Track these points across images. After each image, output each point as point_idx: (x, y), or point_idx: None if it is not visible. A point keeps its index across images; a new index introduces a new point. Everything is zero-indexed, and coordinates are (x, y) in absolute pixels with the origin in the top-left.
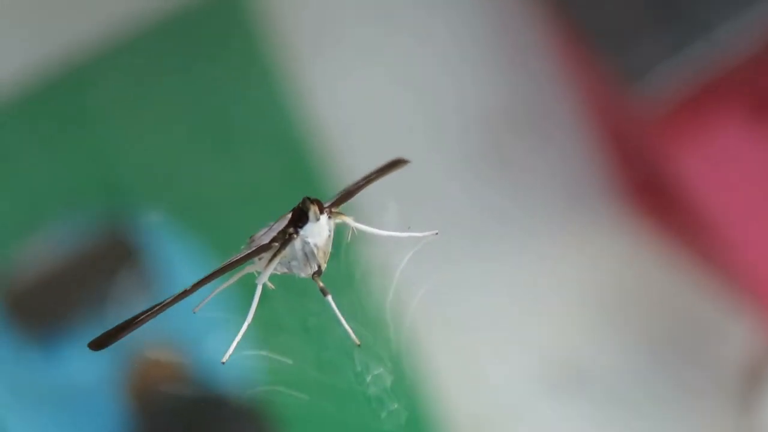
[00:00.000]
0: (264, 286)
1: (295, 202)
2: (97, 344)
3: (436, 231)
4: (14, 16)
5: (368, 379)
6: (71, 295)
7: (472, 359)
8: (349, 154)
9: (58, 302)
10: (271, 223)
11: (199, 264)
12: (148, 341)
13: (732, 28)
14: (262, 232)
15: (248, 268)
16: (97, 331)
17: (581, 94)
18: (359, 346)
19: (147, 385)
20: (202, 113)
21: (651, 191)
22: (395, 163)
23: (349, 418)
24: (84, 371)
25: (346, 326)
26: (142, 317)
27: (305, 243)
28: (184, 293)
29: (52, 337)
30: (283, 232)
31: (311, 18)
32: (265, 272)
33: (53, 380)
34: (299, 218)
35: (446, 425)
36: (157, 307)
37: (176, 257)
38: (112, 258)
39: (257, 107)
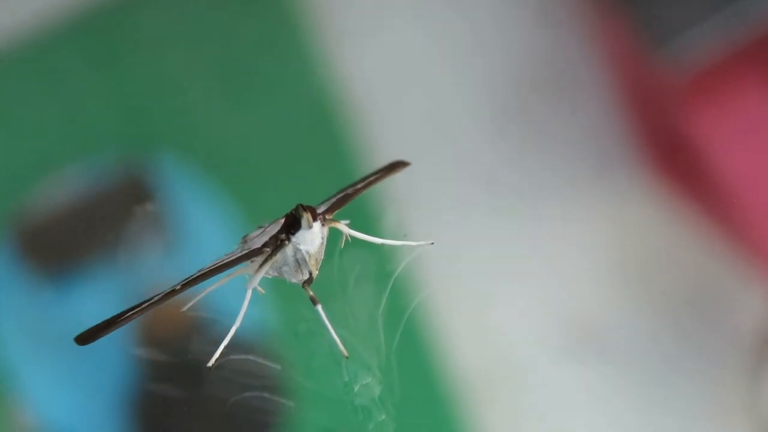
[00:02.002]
0: (254, 290)
1: (317, 155)
2: (84, 339)
3: (432, 241)
4: None
5: (356, 388)
6: (86, 237)
7: (485, 316)
8: (374, 109)
9: (72, 244)
10: (265, 226)
11: (214, 211)
12: (160, 284)
13: None
14: (255, 234)
15: (239, 270)
16: (110, 274)
17: (609, 59)
18: (347, 357)
19: (157, 328)
20: (227, 61)
21: (675, 157)
22: (395, 166)
23: (336, 427)
24: (96, 313)
25: (335, 337)
26: (129, 314)
27: (297, 250)
28: (173, 292)
29: (65, 279)
30: (276, 237)
31: None
32: (255, 277)
33: (66, 322)
34: (292, 225)
35: (454, 385)
36: (145, 305)
37: (192, 203)
38: (128, 201)
39: (283, 58)
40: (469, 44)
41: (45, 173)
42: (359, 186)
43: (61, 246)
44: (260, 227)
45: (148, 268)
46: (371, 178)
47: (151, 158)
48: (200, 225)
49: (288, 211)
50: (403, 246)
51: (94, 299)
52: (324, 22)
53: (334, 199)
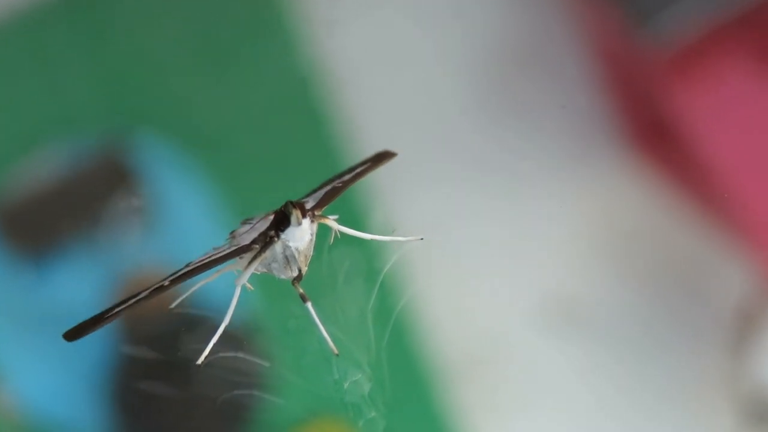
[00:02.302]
0: (243, 286)
1: (299, 135)
2: (72, 335)
3: (421, 237)
4: None
5: (346, 385)
6: (66, 218)
7: (468, 296)
8: (356, 90)
9: (52, 225)
10: (253, 221)
11: (195, 191)
12: (140, 263)
13: None
14: (243, 230)
15: (228, 266)
16: (90, 254)
17: (591, 37)
18: (337, 355)
19: (137, 307)
20: (212, 41)
21: (655, 133)
22: (381, 157)
23: (326, 425)
24: (76, 293)
25: (325, 334)
26: (116, 310)
27: (286, 246)
28: (162, 288)
29: (46, 260)
30: (265, 234)
31: None
32: (244, 273)
33: (47, 303)
34: (281, 221)
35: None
36: (132, 301)
37: (173, 183)
38: (109, 180)
39: (267, 38)
40: (452, 23)
41: (25, 152)
42: (347, 179)
43: (42, 227)
44: (248, 223)
45: (129, 249)
46: (358, 170)
47: (133, 138)
48: (181, 206)
49: (273, 200)
50: (392, 241)
51: (75, 280)
52: (308, 2)
53: (322, 194)
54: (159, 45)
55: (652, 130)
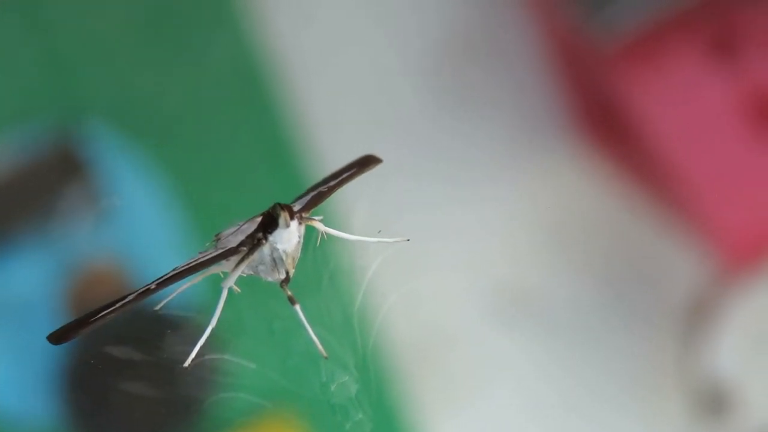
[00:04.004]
0: (229, 289)
1: (249, 122)
2: (56, 338)
3: (408, 238)
4: None
5: (333, 387)
6: (16, 209)
7: (417, 284)
8: (307, 79)
9: (3, 215)
10: (240, 224)
11: (146, 181)
12: (92, 255)
13: None
14: (229, 231)
15: (214, 268)
16: (41, 245)
17: (542, 26)
18: (326, 358)
19: (88, 299)
20: (161, 27)
21: (607, 123)
22: (367, 162)
23: (312, 427)
24: (27, 285)
25: (314, 337)
26: (103, 314)
27: (274, 249)
28: (147, 291)
29: None
30: (252, 236)
31: None
32: (231, 276)
33: None
34: (269, 224)
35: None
36: (119, 304)
37: (125, 172)
38: (59, 171)
39: (217, 26)
40: (405, 12)
41: None
42: (332, 184)
43: None
44: (233, 225)
45: (80, 240)
46: (344, 176)
47: (83, 128)
48: (132, 196)
49: (224, 189)
50: (378, 242)
51: (26, 271)
52: None
53: (308, 198)
54: (108, 33)
55: (604, 119)
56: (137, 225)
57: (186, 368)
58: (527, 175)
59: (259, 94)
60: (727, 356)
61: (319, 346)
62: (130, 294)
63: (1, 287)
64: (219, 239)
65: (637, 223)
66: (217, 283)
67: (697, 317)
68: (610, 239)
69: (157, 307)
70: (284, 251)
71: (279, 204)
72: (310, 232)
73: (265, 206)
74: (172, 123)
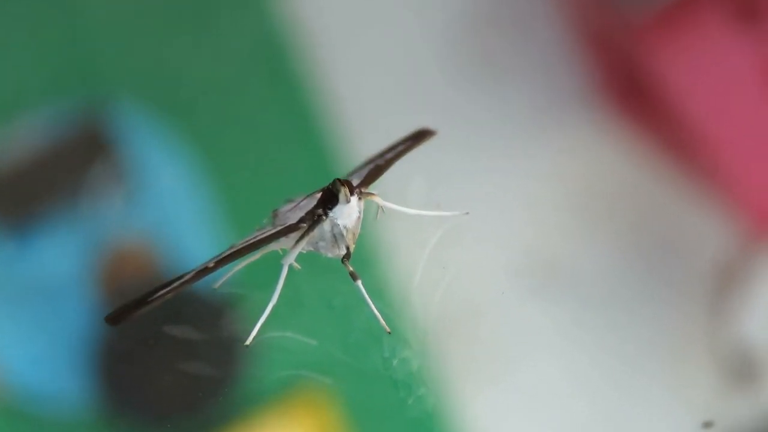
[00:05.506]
0: (289, 266)
1: (275, 97)
2: (114, 319)
3: (467, 211)
4: None
5: (395, 363)
6: (45, 188)
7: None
8: (333, 53)
9: (32, 193)
10: (298, 200)
11: (174, 157)
12: (121, 233)
13: None
14: (286, 208)
15: (273, 245)
16: (71, 224)
17: None
18: (389, 333)
19: (119, 277)
20: (187, 3)
21: (634, 93)
22: (422, 135)
23: (375, 403)
24: (58, 264)
25: (377, 313)
26: (161, 293)
27: (334, 225)
28: (206, 270)
29: (26, 231)
30: (312, 212)
31: None
32: (291, 253)
33: (28, 272)
34: (329, 199)
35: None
36: (177, 284)
37: (151, 150)
38: (87, 150)
39: (244, 1)
40: None
41: (1, 124)
42: (389, 157)
43: (21, 197)
44: (290, 201)
45: (109, 218)
46: (399, 149)
47: (109, 105)
48: (160, 172)
49: (250, 164)
50: (437, 216)
51: (56, 250)
52: None
53: (365, 172)
54: (134, 11)
55: (631, 89)
56: (166, 202)
57: (246, 346)
58: (555, 145)
59: (285, 69)
60: (756, 322)
61: (382, 322)
62: (187, 273)
63: (33, 266)
64: (276, 216)
65: (665, 192)
66: (275, 260)
67: (727, 284)
68: (638, 209)
69: (216, 285)
70: (345, 227)
71: (339, 179)
72: (368, 207)
73: (292, 181)
74: (199, 100)
